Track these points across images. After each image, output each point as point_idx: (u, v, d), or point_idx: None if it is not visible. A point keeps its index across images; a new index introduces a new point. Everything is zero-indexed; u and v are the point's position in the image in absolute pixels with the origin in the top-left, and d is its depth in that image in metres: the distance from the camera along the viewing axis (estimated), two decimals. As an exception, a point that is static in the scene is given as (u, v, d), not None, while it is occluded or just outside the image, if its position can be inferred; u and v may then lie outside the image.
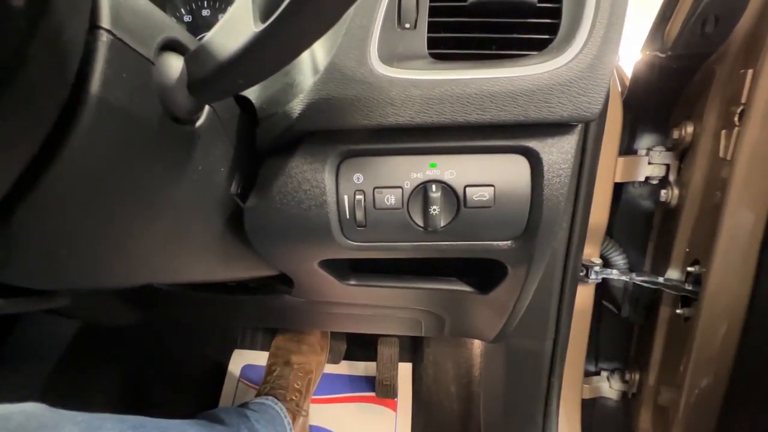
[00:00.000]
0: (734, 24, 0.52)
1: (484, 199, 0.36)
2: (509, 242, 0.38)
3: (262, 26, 0.22)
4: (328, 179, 0.36)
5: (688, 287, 0.65)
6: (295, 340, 1.11)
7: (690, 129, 0.65)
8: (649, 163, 0.74)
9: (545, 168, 0.35)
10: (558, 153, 0.35)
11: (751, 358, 0.58)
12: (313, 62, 0.34)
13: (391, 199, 0.36)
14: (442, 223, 0.37)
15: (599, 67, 0.31)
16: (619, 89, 0.68)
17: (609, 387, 0.92)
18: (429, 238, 0.38)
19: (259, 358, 1.23)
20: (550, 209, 0.36)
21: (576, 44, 0.31)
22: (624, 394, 0.91)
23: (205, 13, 0.52)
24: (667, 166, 0.73)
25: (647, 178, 0.75)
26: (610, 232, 0.84)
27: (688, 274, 0.67)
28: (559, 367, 0.78)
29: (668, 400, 0.75)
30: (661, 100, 0.67)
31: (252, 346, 1.31)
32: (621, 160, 0.75)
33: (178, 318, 0.97)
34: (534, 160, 0.35)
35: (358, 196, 0.36)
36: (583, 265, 0.77)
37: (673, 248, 0.70)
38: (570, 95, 0.31)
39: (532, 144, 0.35)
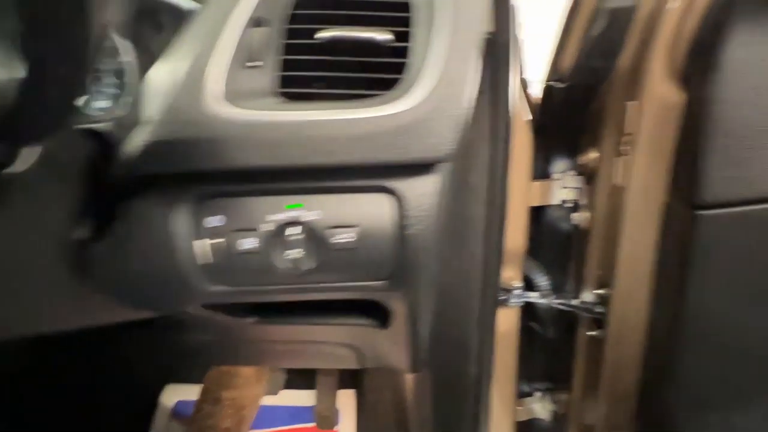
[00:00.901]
0: (616, 58, 0.55)
1: (348, 240, 0.35)
2: (381, 282, 0.37)
3: None
4: (181, 223, 0.34)
5: (599, 309, 0.67)
6: (229, 373, 1.06)
7: (593, 155, 0.67)
8: (564, 187, 0.76)
9: (409, 207, 0.34)
10: (421, 191, 0.34)
11: (653, 379, 0.59)
12: (158, 100, 0.32)
13: (250, 242, 0.34)
14: (307, 266, 0.35)
15: (446, 108, 0.31)
16: (529, 115, 0.70)
17: (542, 408, 0.92)
18: (296, 281, 0.36)
19: (195, 392, 1.17)
20: (418, 248, 0.35)
21: (422, 85, 0.31)
22: (556, 414, 0.91)
23: None
24: (580, 189, 0.75)
25: (563, 201, 0.77)
26: (536, 254, 0.86)
27: (599, 296, 0.69)
28: (486, 391, 0.77)
29: (592, 419, 0.76)
30: (568, 127, 0.70)
31: (188, 379, 1.24)
32: (538, 184, 0.77)
33: (80, 360, 0.90)
34: (397, 199, 0.34)
35: (215, 240, 0.34)
36: (505, 289, 0.77)
37: (586, 270, 0.72)
38: (417, 137, 0.31)
39: (393, 183, 0.34)
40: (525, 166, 0.71)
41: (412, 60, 0.32)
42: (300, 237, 0.34)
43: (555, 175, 0.77)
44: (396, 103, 0.30)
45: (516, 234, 0.75)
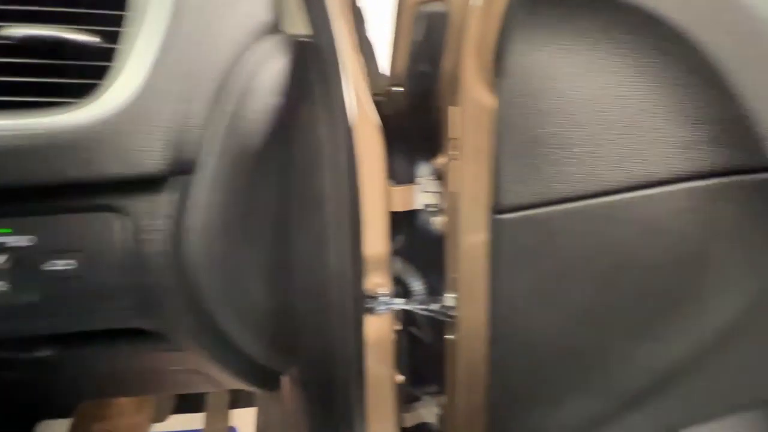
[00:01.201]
0: (439, 63, 0.55)
1: (69, 268, 0.31)
2: (126, 312, 0.33)
3: None
4: None
5: (452, 313, 0.67)
6: (101, 404, 0.98)
7: (441, 160, 0.67)
8: (424, 191, 0.76)
9: (137, 225, 0.31)
10: (151, 207, 0.31)
11: (497, 383, 0.59)
12: None
13: None
14: (25, 299, 0.31)
15: (150, 119, 0.28)
16: (377, 120, 0.69)
17: (428, 412, 0.92)
18: (15, 316, 0.31)
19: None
20: (159, 269, 0.32)
21: (118, 94, 0.27)
22: (441, 418, 0.91)
23: None
24: (439, 193, 0.75)
25: (426, 206, 0.77)
26: (413, 258, 0.85)
27: (455, 299, 0.69)
28: (358, 402, 0.75)
29: (463, 421, 0.76)
30: (418, 131, 0.69)
31: (65, 413, 1.13)
32: (401, 189, 0.76)
33: None
34: (123, 218, 0.31)
35: None
36: (370, 297, 0.76)
37: (446, 274, 0.72)
38: (112, 151, 0.27)
39: (119, 201, 0.30)
40: (377, 171, 0.69)
41: (118, 65, 0.29)
42: (5, 267, 0.30)
43: (417, 180, 0.77)
44: (81, 113, 0.27)
45: (377, 240, 0.74)
